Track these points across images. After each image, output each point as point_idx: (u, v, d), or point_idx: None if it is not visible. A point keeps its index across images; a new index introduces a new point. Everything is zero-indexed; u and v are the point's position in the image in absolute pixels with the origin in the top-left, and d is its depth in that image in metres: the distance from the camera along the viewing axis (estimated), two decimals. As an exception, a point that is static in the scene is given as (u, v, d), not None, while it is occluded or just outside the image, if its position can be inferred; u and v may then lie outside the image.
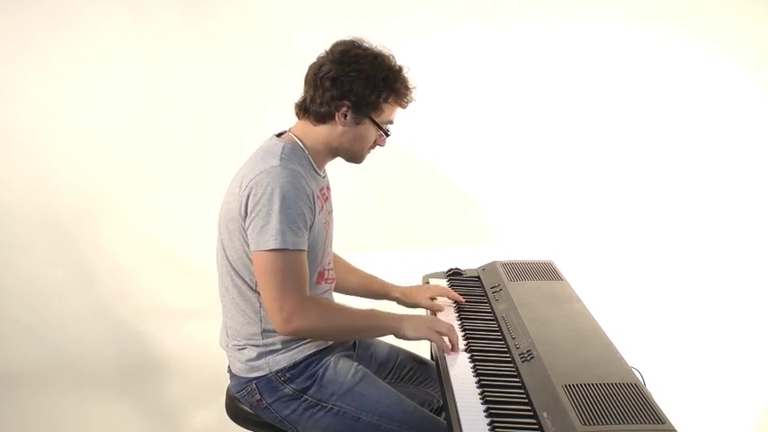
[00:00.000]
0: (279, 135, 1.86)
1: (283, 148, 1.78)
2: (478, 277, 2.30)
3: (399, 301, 2.16)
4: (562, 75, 3.25)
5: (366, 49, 1.79)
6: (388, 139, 1.88)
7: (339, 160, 1.91)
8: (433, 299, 2.12)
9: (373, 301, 2.19)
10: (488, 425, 1.50)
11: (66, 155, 3.27)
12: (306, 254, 1.75)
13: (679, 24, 3.18)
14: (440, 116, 3.29)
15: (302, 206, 1.71)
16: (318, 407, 1.80)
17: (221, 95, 3.24)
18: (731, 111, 3.25)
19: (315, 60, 1.82)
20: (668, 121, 3.28)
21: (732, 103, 3.24)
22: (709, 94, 3.24)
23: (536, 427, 1.47)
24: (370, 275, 2.15)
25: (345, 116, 1.78)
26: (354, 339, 1.98)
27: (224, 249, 1.82)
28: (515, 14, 3.21)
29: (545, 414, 1.47)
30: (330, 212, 1.93)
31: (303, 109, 1.83)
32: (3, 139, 3.23)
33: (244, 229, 1.74)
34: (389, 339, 1.94)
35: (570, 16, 3.19)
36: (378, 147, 1.88)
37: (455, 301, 2.11)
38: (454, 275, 2.32)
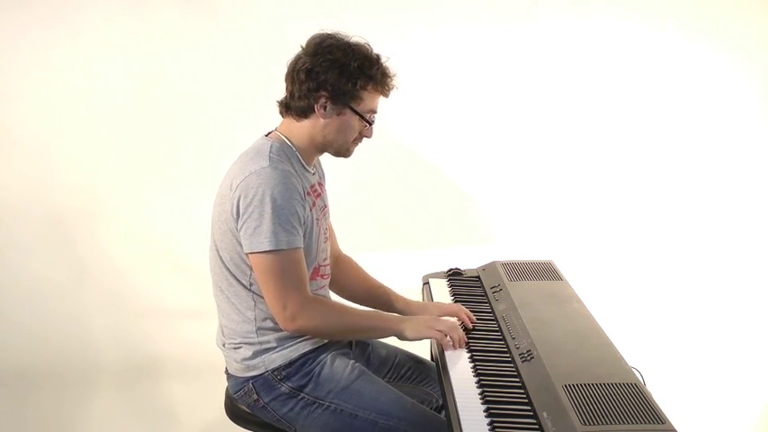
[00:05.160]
0: (267, 135, 1.86)
1: (271, 147, 1.77)
2: (478, 277, 2.29)
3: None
4: (563, 74, 3.25)
5: (340, 39, 1.78)
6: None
7: (335, 159, 1.90)
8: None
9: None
10: (488, 425, 1.50)
11: (66, 154, 3.27)
12: (302, 251, 1.75)
13: (678, 23, 3.18)
14: (440, 116, 3.29)
15: (295, 204, 1.72)
16: (316, 405, 1.80)
17: (221, 95, 3.24)
18: (731, 110, 3.25)
19: (292, 57, 1.81)
20: (668, 121, 3.28)
21: (732, 102, 3.24)
22: (708, 93, 3.25)
23: (536, 427, 1.47)
24: (380, 286, 2.11)
25: (325, 107, 1.77)
26: (356, 340, 1.98)
27: (217, 249, 1.82)
28: (517, 13, 3.21)
29: (545, 414, 1.47)
30: (323, 208, 1.92)
31: (285, 106, 1.83)
32: (2, 138, 3.23)
33: (236, 229, 1.74)
34: (388, 339, 1.93)
35: (570, 13, 3.19)
36: (366, 139, 1.86)
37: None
38: (454, 275, 2.32)
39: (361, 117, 1.80)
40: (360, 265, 2.15)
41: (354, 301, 2.13)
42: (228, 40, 3.20)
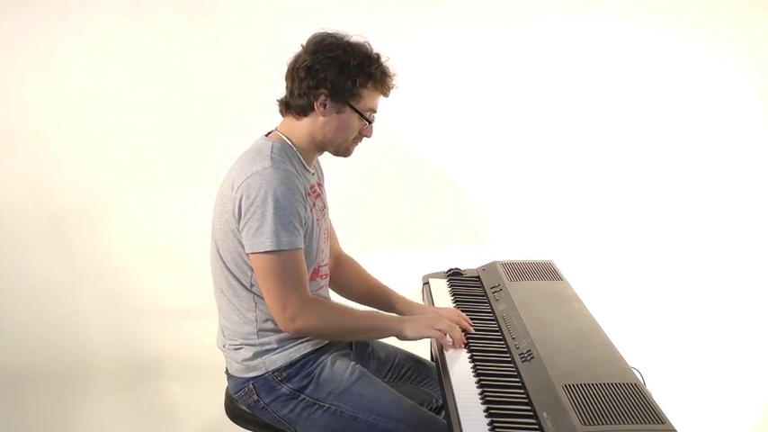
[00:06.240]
0: (267, 135, 1.86)
1: (272, 147, 1.78)
2: (478, 277, 2.29)
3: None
4: (562, 74, 3.25)
5: (339, 37, 1.79)
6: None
7: (334, 159, 1.90)
8: None
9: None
10: (488, 425, 1.50)
11: (66, 154, 3.27)
12: (303, 252, 1.76)
13: (678, 23, 3.18)
14: (440, 116, 3.29)
15: (296, 205, 1.72)
16: (316, 406, 1.80)
17: (221, 95, 3.24)
18: (730, 110, 3.25)
19: (292, 56, 1.82)
20: (668, 121, 3.28)
21: (731, 102, 3.24)
22: (708, 93, 3.24)
23: (536, 427, 1.47)
24: (381, 286, 2.11)
25: (324, 105, 1.77)
26: (356, 340, 1.98)
27: (218, 250, 1.82)
28: (516, 14, 3.20)
29: (545, 414, 1.47)
30: (323, 208, 1.92)
31: (285, 105, 1.84)
32: (2, 138, 3.23)
33: (237, 230, 1.74)
34: (388, 339, 1.93)
35: (569, 14, 3.19)
36: (366, 139, 1.86)
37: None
38: (454, 275, 2.32)
39: (361, 115, 1.81)
40: (361, 265, 2.15)
41: (355, 301, 2.13)
42: (228, 40, 3.20)
